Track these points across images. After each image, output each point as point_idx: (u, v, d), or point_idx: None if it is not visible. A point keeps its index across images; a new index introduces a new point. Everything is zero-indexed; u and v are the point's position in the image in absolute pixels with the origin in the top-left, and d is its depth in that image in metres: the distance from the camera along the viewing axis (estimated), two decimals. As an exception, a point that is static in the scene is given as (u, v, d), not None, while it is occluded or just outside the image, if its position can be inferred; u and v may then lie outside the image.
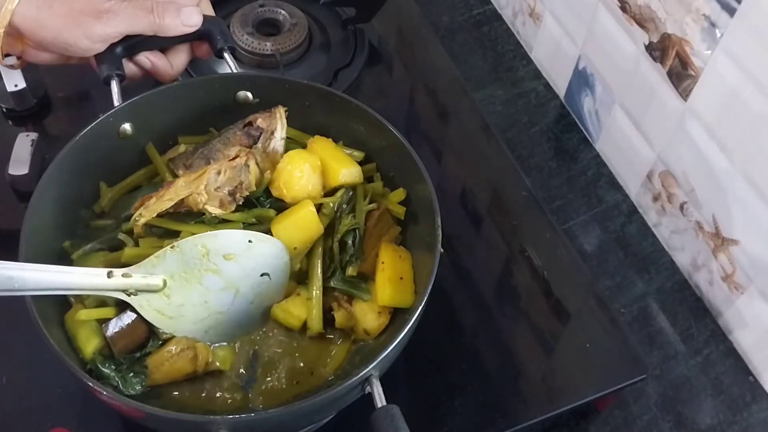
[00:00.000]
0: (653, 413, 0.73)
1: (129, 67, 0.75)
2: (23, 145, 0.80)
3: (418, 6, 1.04)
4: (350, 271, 0.65)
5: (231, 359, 0.65)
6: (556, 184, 0.90)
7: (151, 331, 0.63)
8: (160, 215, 0.64)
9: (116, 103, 0.70)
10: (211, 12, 0.78)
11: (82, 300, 0.63)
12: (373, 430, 0.54)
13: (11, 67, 0.83)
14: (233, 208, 0.66)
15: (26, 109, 0.87)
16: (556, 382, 0.72)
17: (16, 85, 0.85)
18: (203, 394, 0.63)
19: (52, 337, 0.56)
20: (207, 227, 0.64)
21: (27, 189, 0.77)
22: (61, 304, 0.63)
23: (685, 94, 0.75)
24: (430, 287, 0.60)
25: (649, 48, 0.78)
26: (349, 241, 0.67)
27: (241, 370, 0.65)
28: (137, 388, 0.61)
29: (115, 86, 0.72)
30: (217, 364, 0.64)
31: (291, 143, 0.72)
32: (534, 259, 0.78)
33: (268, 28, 0.95)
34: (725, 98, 0.70)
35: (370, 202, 0.69)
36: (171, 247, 0.61)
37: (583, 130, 0.94)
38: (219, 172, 0.65)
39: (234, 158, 0.66)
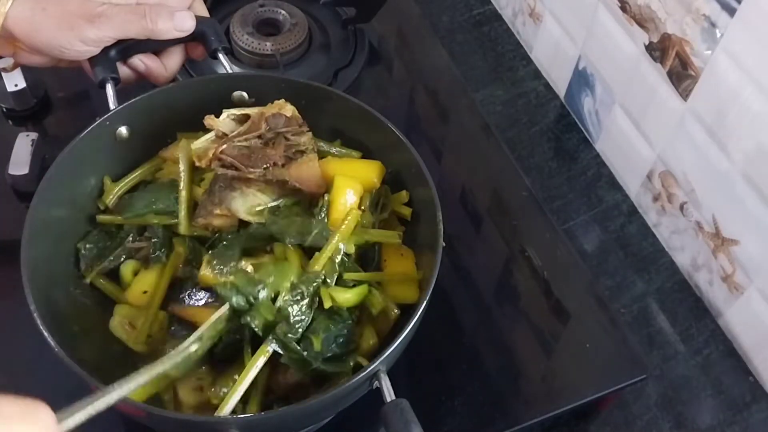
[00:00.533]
0: (653, 413, 0.73)
1: (123, 70, 0.75)
2: (23, 145, 0.80)
3: (418, 6, 1.04)
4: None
5: None
6: (556, 184, 0.90)
7: None
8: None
9: (112, 106, 0.70)
10: (204, 13, 0.78)
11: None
12: (384, 423, 0.54)
13: (3, 70, 0.83)
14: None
15: (26, 109, 0.87)
16: (556, 382, 0.72)
17: (16, 85, 0.85)
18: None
19: (53, 337, 0.56)
20: None
21: (27, 189, 0.78)
22: (62, 303, 0.63)
23: (685, 94, 0.75)
24: (433, 281, 0.60)
25: (649, 48, 0.78)
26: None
27: None
28: None
29: (110, 89, 0.72)
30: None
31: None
32: (534, 259, 0.78)
33: (268, 28, 0.95)
34: (725, 98, 0.70)
35: (377, 204, 0.70)
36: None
37: (583, 130, 0.94)
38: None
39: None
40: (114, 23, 0.70)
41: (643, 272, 0.83)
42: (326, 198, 0.66)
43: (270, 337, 0.59)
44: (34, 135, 0.81)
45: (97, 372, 0.57)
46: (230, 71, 0.76)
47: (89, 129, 0.67)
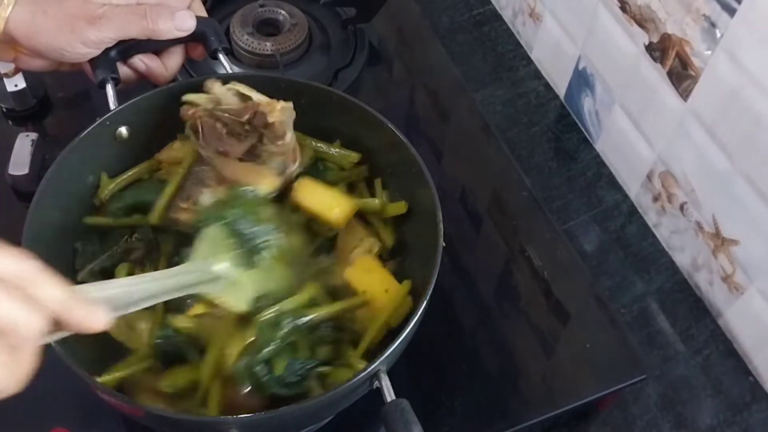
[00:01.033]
0: (653, 413, 0.73)
1: (123, 71, 0.75)
2: (23, 145, 0.80)
3: (418, 6, 1.04)
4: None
5: None
6: (556, 184, 0.90)
7: None
8: None
9: (112, 106, 0.70)
10: (203, 13, 0.78)
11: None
12: (384, 423, 0.54)
13: (5, 75, 0.83)
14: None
15: (26, 109, 0.87)
16: (556, 383, 0.72)
17: (16, 85, 0.86)
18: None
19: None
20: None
21: (27, 189, 0.78)
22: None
23: (685, 94, 0.75)
24: (433, 281, 0.60)
25: (649, 48, 0.78)
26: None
27: None
28: None
29: (110, 90, 0.72)
30: None
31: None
32: (534, 259, 0.78)
33: (268, 28, 0.95)
34: (725, 98, 0.70)
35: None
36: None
37: (583, 130, 0.94)
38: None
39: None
40: (115, 24, 0.70)
41: (643, 272, 0.83)
42: None
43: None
44: (34, 135, 0.81)
45: (97, 372, 0.57)
46: (230, 71, 0.76)
47: (89, 129, 0.67)
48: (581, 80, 0.91)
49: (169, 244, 0.68)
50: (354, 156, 0.72)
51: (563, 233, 0.82)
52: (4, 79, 0.85)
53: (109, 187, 0.70)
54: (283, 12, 0.96)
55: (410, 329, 0.58)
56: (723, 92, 0.70)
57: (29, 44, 0.70)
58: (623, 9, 0.80)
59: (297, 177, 0.69)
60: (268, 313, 0.60)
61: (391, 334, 0.64)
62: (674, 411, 0.74)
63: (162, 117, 0.72)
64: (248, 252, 0.62)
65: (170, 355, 0.62)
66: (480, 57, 1.02)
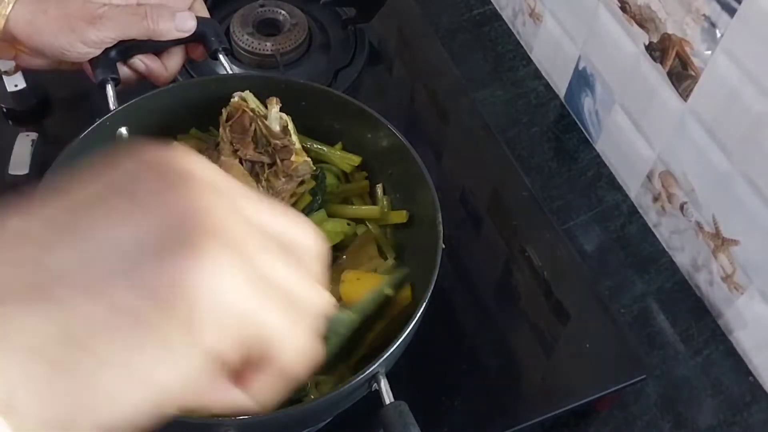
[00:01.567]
0: (653, 413, 0.73)
1: (123, 71, 0.75)
2: (23, 145, 0.80)
3: (418, 6, 1.04)
4: None
5: None
6: (556, 184, 0.90)
7: None
8: None
9: (112, 107, 0.70)
10: (204, 13, 0.78)
11: None
12: (382, 426, 0.54)
13: (5, 73, 0.83)
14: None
15: (26, 110, 0.87)
16: (556, 382, 0.72)
17: (16, 85, 0.85)
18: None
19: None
20: None
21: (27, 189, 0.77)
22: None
23: (685, 94, 0.75)
24: (433, 282, 0.60)
25: (649, 48, 0.78)
26: None
27: None
28: None
29: (110, 90, 0.72)
30: None
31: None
32: (534, 259, 0.78)
33: (268, 28, 0.95)
34: (725, 98, 0.70)
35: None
36: None
37: (583, 130, 0.94)
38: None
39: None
40: (115, 24, 0.70)
41: (643, 272, 0.83)
42: None
43: None
44: (34, 135, 0.81)
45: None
46: (230, 72, 0.76)
47: (89, 129, 0.67)
48: (581, 80, 0.91)
49: None
50: (355, 159, 0.72)
51: (563, 233, 0.82)
52: (5, 79, 0.85)
53: None
54: (283, 12, 0.96)
55: (409, 331, 0.58)
56: (723, 92, 0.70)
57: (29, 43, 0.70)
58: (623, 9, 0.80)
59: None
60: None
61: (391, 335, 0.64)
62: (674, 411, 0.74)
63: (162, 118, 0.72)
64: None
65: None
66: (480, 57, 1.02)
